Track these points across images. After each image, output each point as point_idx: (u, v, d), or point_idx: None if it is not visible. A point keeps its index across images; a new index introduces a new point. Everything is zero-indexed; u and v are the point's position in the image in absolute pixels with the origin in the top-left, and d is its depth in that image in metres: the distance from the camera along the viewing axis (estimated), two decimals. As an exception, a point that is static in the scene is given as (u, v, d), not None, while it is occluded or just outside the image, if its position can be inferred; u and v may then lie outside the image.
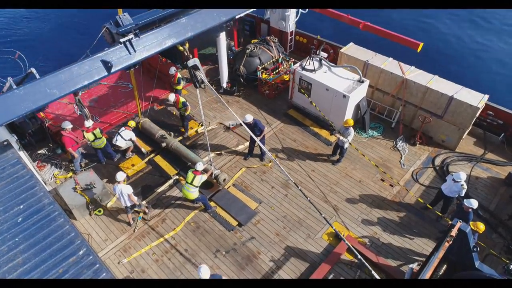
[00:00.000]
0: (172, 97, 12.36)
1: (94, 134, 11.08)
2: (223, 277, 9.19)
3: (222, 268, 9.44)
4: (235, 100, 14.69)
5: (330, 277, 9.23)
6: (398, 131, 12.98)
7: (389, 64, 12.88)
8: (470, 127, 12.14)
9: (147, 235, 10.22)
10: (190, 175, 9.92)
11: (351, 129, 11.10)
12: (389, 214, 10.64)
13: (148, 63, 15.56)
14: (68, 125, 10.90)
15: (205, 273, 7.66)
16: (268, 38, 15.20)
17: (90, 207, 10.51)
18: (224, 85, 14.88)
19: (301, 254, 9.74)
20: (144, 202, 10.75)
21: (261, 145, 10.03)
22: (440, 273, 7.52)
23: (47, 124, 12.18)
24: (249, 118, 11.17)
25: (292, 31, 16.17)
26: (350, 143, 11.31)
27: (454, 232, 6.89)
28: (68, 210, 10.45)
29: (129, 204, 9.86)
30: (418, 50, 12.15)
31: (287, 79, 14.72)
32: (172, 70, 13.47)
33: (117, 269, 9.46)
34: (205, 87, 8.86)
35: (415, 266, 8.93)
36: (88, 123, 10.97)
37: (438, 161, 12.08)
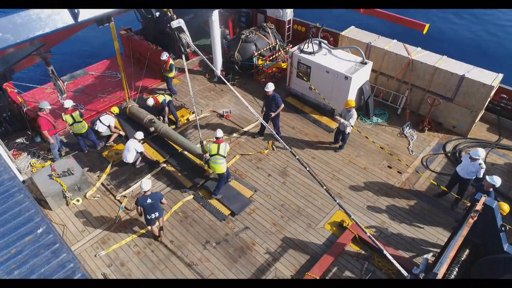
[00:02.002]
0: (151, 101, 11.60)
1: (72, 116, 10.15)
2: (214, 272, 8.14)
3: (212, 260, 8.36)
4: (229, 88, 13.74)
5: (334, 270, 8.15)
6: (404, 118, 12.05)
7: (393, 46, 12.05)
8: (483, 110, 11.21)
9: (129, 225, 9.17)
10: (213, 146, 9.02)
11: (354, 111, 10.16)
12: (398, 202, 9.61)
13: (139, 53, 14.80)
14: (46, 106, 9.98)
15: (145, 185, 7.93)
16: (265, 24, 14.45)
17: (67, 195, 9.49)
18: (218, 73, 13.99)
19: (301, 245, 8.67)
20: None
21: (265, 126, 8.59)
22: (462, 259, 6.47)
23: (25, 110, 11.27)
24: (271, 87, 10.63)
25: (290, 19, 15.42)
26: (352, 126, 10.35)
27: (479, 207, 5.87)
28: (43, 200, 9.46)
29: (130, 161, 10.10)
30: (424, 32, 11.31)
31: (285, 66, 13.90)
32: (164, 56, 12.64)
33: (93, 263, 8.38)
34: (192, 51, 7.98)
35: (430, 257, 7.89)
36: (67, 103, 10.07)
37: (449, 148, 11.10)
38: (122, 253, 8.57)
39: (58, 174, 9.56)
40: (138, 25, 15.73)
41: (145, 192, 7.93)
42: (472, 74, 10.58)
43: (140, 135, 10.19)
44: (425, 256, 7.80)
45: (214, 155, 8.99)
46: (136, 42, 14.67)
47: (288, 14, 15.22)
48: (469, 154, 8.45)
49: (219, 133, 9.29)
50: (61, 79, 14.18)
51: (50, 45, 7.33)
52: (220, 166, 9.06)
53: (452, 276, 6.14)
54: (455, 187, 9.25)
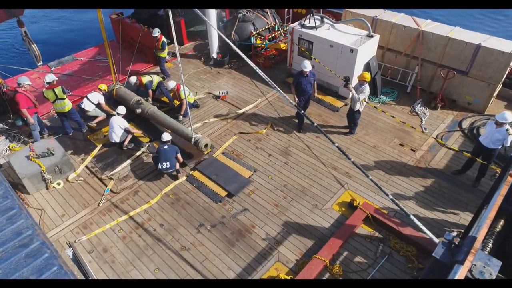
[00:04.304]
0: (133, 78, 11.00)
1: (54, 92, 9.26)
2: (208, 257, 7.18)
3: (207, 244, 7.39)
4: (226, 71, 12.98)
5: (345, 253, 7.17)
6: (414, 96, 11.17)
7: (401, 19, 11.23)
8: (501, 85, 10.34)
9: (114, 209, 8.22)
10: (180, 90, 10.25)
11: (366, 86, 9.17)
12: (413, 181, 8.67)
13: (131, 37, 14.01)
14: (25, 81, 9.10)
15: (166, 136, 8.68)
16: (263, 4, 13.66)
17: (47, 177, 8.56)
18: (214, 55, 13.21)
19: (307, 227, 7.71)
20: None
21: (301, 112, 7.51)
22: (497, 230, 5.52)
23: (4, 90, 10.40)
24: (309, 66, 9.34)
25: (290, 1, 14.65)
26: (366, 102, 9.41)
27: (519, 163, 4.95)
28: (21, 183, 8.53)
29: (117, 140, 9.39)
30: (433, 5, 10.52)
31: (284, 48, 13.07)
32: (156, 32, 11.85)
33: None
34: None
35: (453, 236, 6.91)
36: (49, 77, 9.19)
37: (466, 125, 10.19)
38: (106, 238, 7.60)
39: (36, 155, 8.66)
40: (130, 11, 15.03)
41: (164, 142, 8.62)
42: (489, 43, 9.74)
43: (122, 109, 9.50)
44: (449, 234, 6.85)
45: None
46: (128, 25, 13.89)
47: (288, -4, 14.46)
48: (494, 119, 7.52)
49: (172, 83, 10.43)
50: (48, 65, 13.60)
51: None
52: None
53: (488, 249, 5.20)
54: (475, 165, 8.37)
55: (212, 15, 12.51)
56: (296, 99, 9.67)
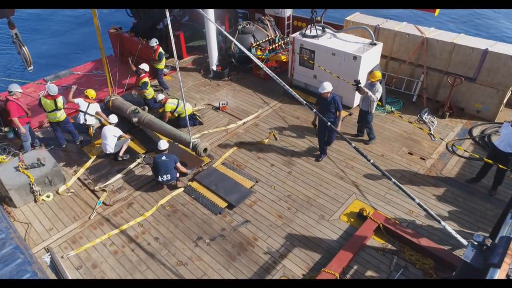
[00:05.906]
0: (146, 67, 10.99)
1: (55, 102, 8.87)
2: (207, 272, 6.57)
3: (205, 259, 6.80)
4: (226, 83, 12.69)
5: (356, 266, 6.57)
6: (421, 105, 10.80)
7: (403, 27, 11.03)
8: (510, 92, 10.00)
9: (106, 222, 7.66)
10: (173, 101, 10.18)
11: (379, 85, 8.76)
12: (425, 189, 8.15)
13: (129, 51, 13.83)
14: (16, 88, 8.74)
15: (163, 144, 8.20)
16: (263, 17, 13.58)
17: (35, 189, 8.05)
18: (214, 67, 12.96)
19: (313, 239, 7.13)
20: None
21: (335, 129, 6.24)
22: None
23: (-4, 101, 10.05)
24: (328, 87, 8.25)
25: (290, 15, 14.59)
26: (379, 103, 9.06)
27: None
28: (8, 197, 8.01)
29: (112, 150, 8.95)
30: (436, 14, 10.38)
31: (284, 59, 12.84)
32: (153, 42, 11.64)
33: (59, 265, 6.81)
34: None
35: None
36: (53, 89, 8.80)
37: (476, 132, 9.77)
38: (96, 253, 7.01)
39: (26, 165, 8.18)
40: (129, 26, 14.96)
41: (161, 151, 8.14)
42: (496, 48, 9.47)
43: (113, 118, 9.14)
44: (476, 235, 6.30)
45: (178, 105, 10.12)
46: (126, 39, 13.75)
47: (288, 10, 14.40)
48: (509, 122, 7.10)
49: (161, 96, 10.33)
50: (45, 78, 13.34)
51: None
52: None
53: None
54: (490, 173, 7.90)
55: (210, 15, 12.30)
56: (318, 121, 8.64)
